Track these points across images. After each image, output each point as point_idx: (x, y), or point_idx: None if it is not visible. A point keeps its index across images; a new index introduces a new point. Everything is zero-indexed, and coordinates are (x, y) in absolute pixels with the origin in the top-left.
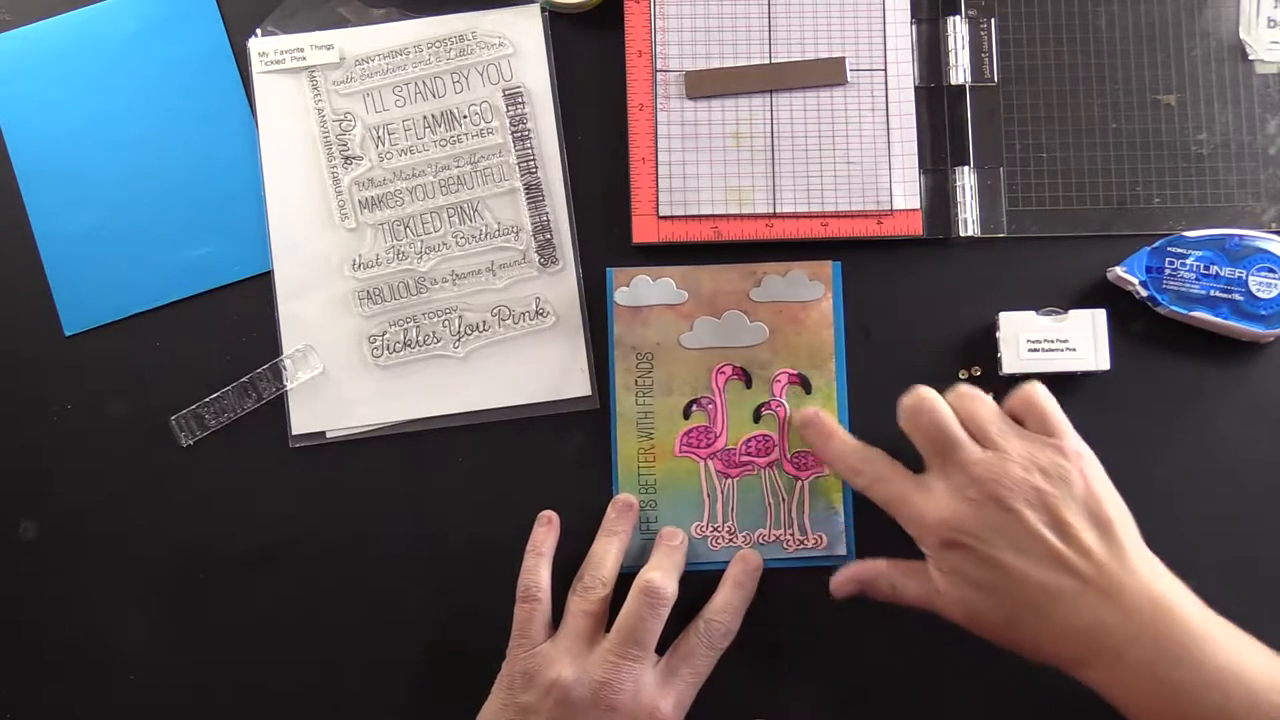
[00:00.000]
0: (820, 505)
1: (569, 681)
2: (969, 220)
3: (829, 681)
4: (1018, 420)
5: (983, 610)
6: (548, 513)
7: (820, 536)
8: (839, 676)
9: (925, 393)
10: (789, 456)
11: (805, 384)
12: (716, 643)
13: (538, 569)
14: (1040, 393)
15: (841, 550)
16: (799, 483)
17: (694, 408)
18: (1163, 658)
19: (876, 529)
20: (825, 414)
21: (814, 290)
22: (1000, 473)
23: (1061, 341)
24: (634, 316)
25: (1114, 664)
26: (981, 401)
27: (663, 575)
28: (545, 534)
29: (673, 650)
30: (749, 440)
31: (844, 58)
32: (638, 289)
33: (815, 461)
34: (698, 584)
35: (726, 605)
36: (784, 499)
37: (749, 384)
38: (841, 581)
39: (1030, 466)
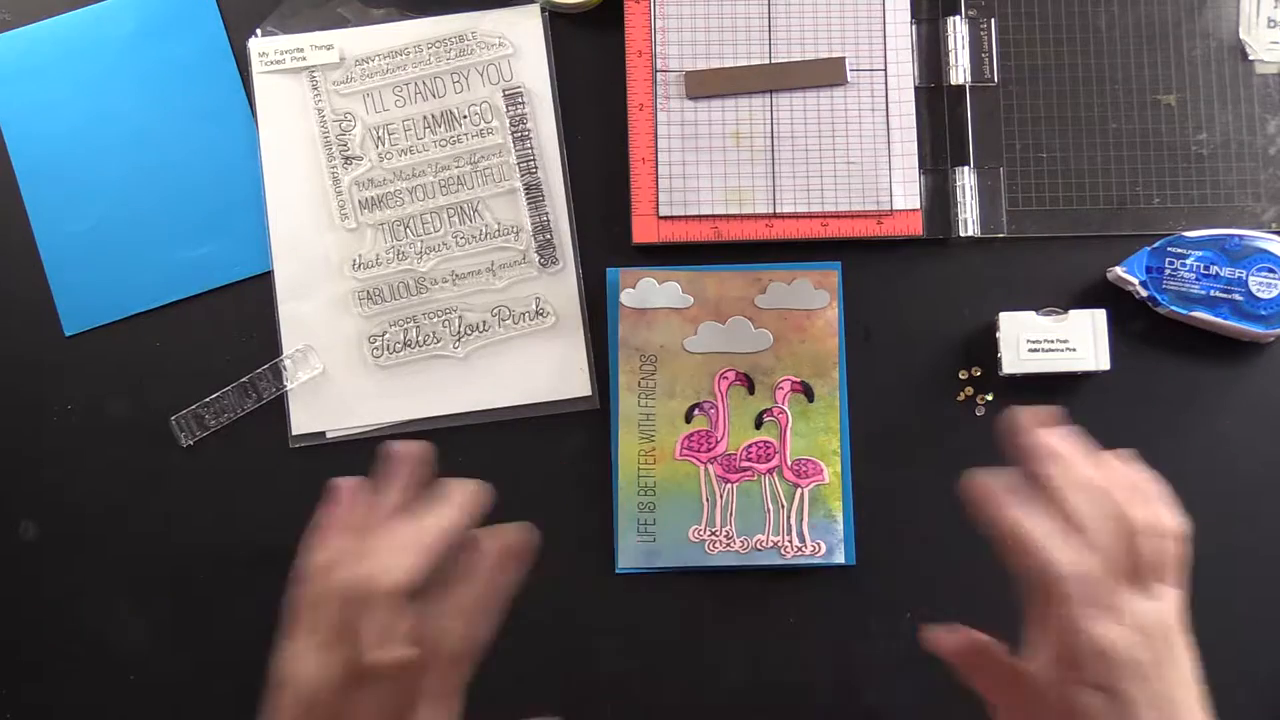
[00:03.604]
0: (819, 513)
1: None
2: (969, 220)
3: (829, 684)
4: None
5: None
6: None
7: (819, 544)
8: (844, 676)
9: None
10: (789, 463)
11: (808, 392)
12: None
13: None
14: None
15: (840, 558)
16: (798, 490)
17: (696, 412)
18: None
19: (875, 539)
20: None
21: (819, 299)
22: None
23: (1061, 341)
24: (639, 318)
25: None
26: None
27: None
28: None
29: None
30: (750, 446)
31: (844, 58)
32: (644, 291)
33: (815, 470)
34: (698, 584)
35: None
36: (783, 505)
37: (751, 390)
38: (935, 641)
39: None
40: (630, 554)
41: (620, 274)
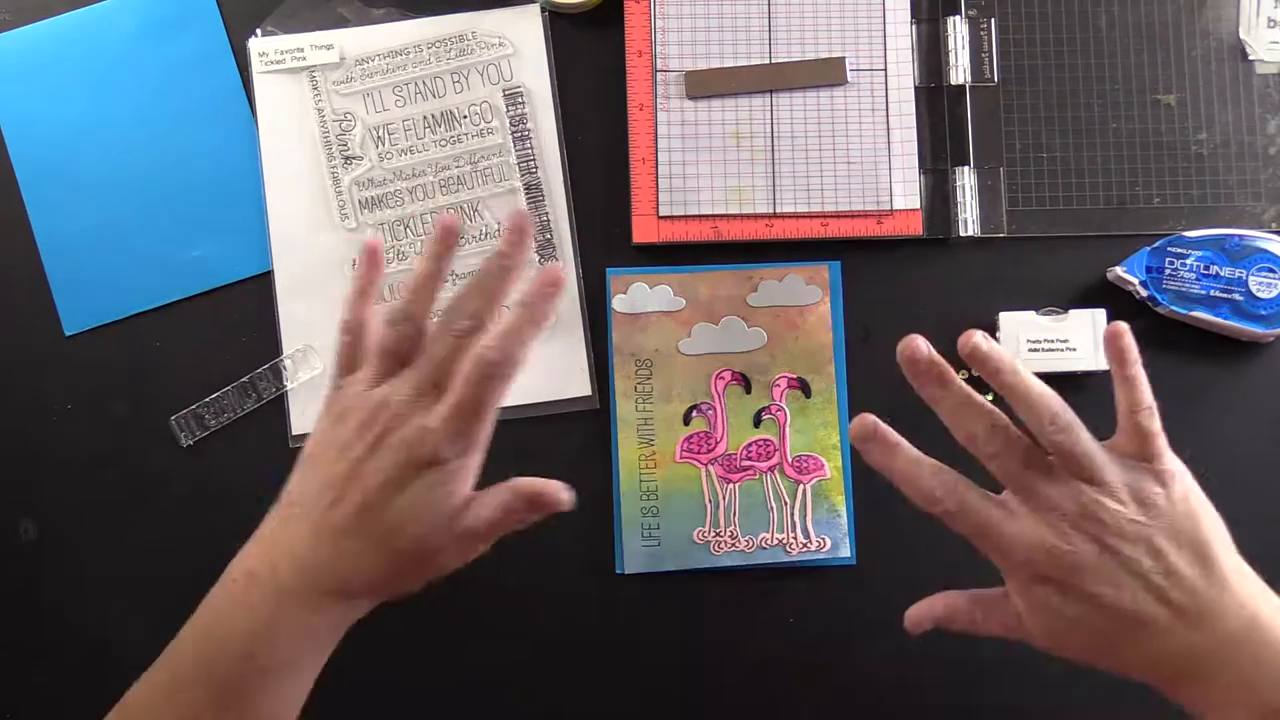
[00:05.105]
0: (823, 508)
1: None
2: (969, 220)
3: (832, 685)
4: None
5: (1071, 640)
6: (370, 243)
7: (823, 539)
8: (842, 680)
9: (983, 415)
10: (790, 460)
11: (805, 388)
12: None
13: (356, 304)
14: (1147, 414)
15: (845, 553)
16: (800, 486)
17: (694, 414)
18: (1260, 680)
19: (879, 532)
20: (884, 426)
21: (811, 294)
22: (1098, 508)
23: (1061, 341)
24: (632, 323)
25: (1207, 686)
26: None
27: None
28: (368, 270)
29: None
30: (750, 445)
31: (844, 58)
32: (635, 296)
33: (816, 465)
34: (698, 585)
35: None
36: (786, 503)
37: (748, 389)
38: (918, 618)
39: (1128, 499)
40: (635, 558)
41: (611, 280)
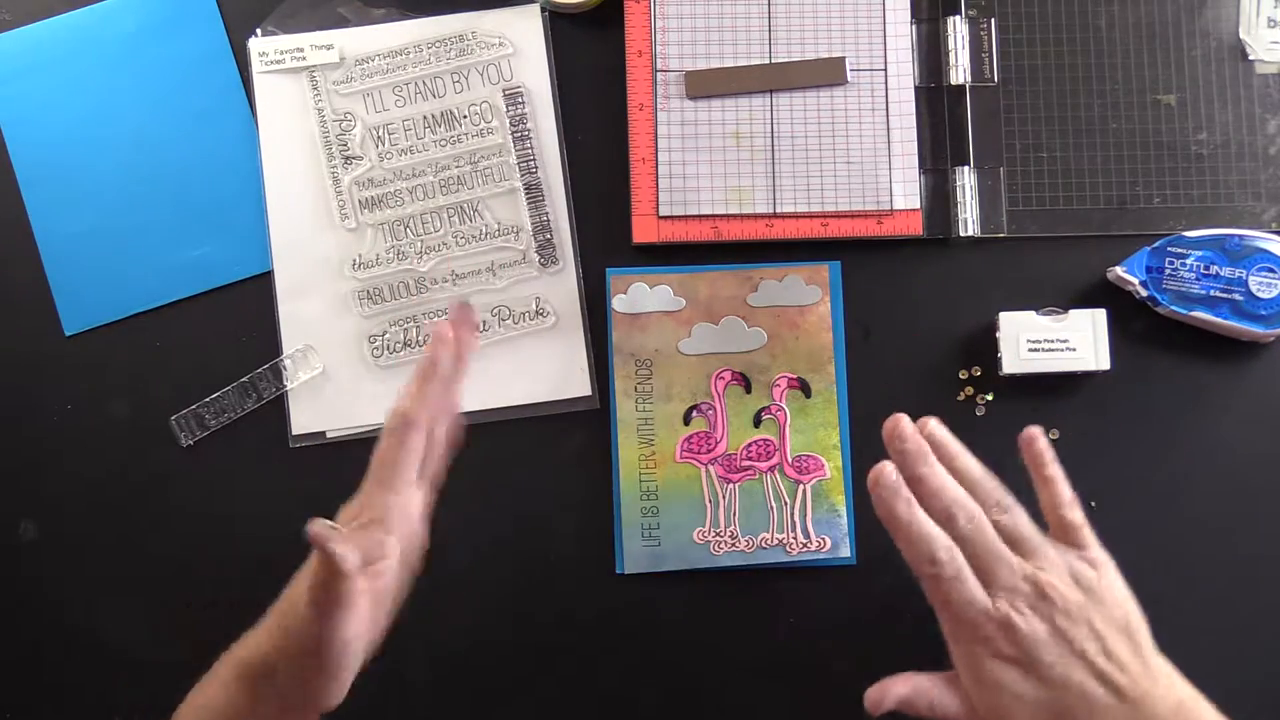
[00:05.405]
0: (823, 508)
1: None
2: (969, 220)
3: (832, 685)
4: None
5: (1017, 718)
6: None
7: (824, 539)
8: (842, 680)
9: (961, 497)
10: (790, 460)
11: (805, 388)
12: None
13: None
14: (1069, 507)
15: (845, 553)
16: (800, 486)
17: (694, 414)
18: None
19: (879, 532)
20: (898, 478)
21: (811, 294)
22: (1048, 588)
23: (1061, 341)
24: (632, 323)
25: None
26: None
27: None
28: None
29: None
30: (750, 445)
31: (844, 58)
32: (635, 296)
33: (816, 465)
34: (698, 585)
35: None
36: (786, 503)
37: (748, 389)
38: (877, 699)
39: (1070, 581)
40: (635, 559)
41: (611, 280)
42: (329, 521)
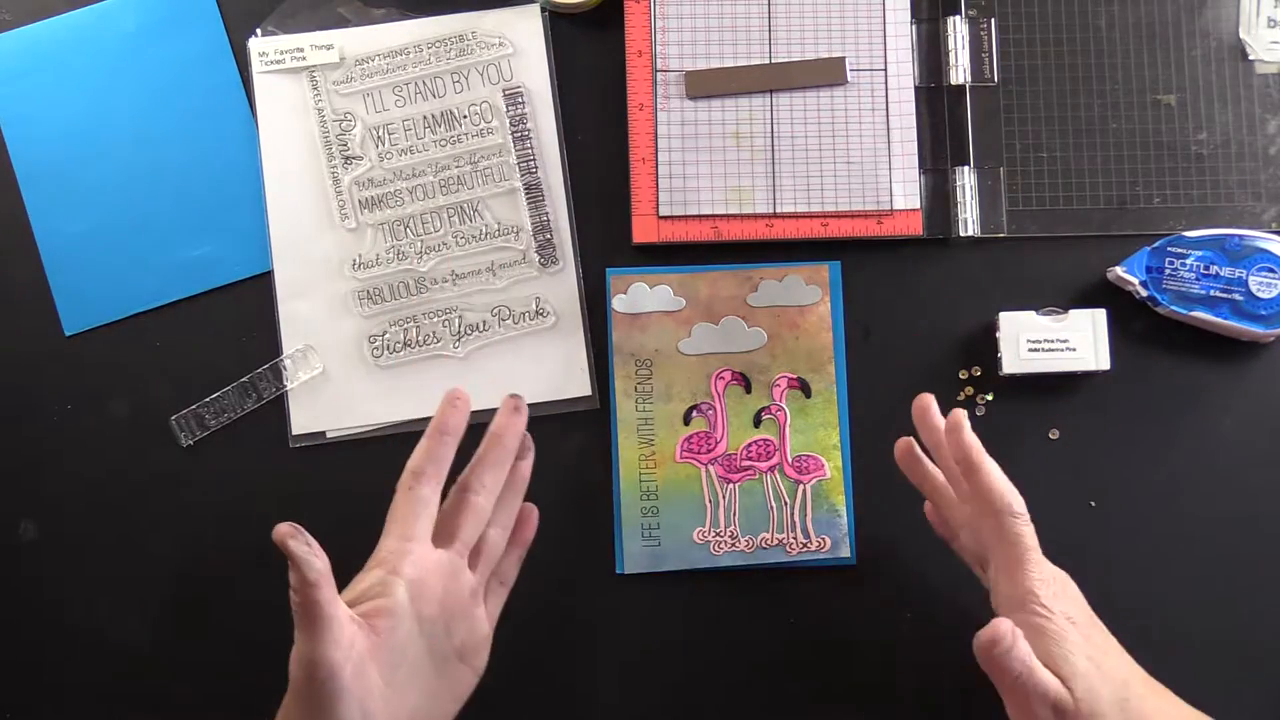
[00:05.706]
0: (823, 508)
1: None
2: (969, 220)
3: (832, 685)
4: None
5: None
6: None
7: (824, 539)
8: (842, 680)
9: (1017, 501)
10: (790, 460)
11: (805, 388)
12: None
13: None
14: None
15: (845, 553)
16: (800, 486)
17: (694, 414)
18: None
19: (879, 532)
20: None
21: (811, 294)
22: (1052, 598)
23: (1061, 341)
24: (632, 323)
25: None
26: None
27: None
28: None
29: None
30: (750, 445)
31: (844, 58)
32: (635, 296)
33: (816, 465)
34: (698, 585)
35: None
36: (786, 502)
37: (748, 389)
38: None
39: (1058, 590)
40: (634, 559)
41: (611, 279)
42: (297, 525)
